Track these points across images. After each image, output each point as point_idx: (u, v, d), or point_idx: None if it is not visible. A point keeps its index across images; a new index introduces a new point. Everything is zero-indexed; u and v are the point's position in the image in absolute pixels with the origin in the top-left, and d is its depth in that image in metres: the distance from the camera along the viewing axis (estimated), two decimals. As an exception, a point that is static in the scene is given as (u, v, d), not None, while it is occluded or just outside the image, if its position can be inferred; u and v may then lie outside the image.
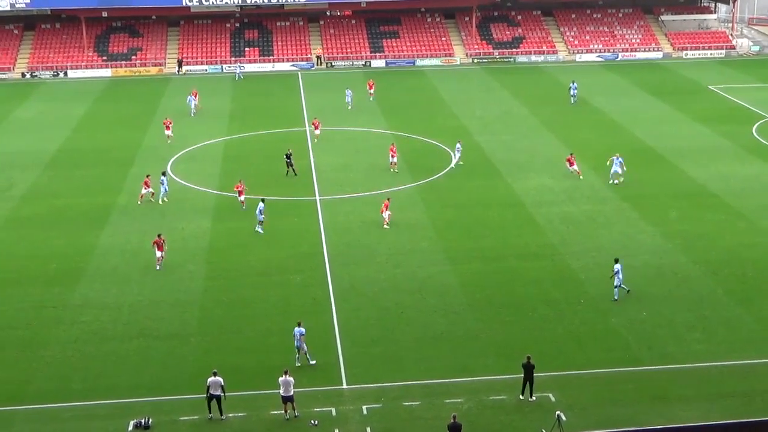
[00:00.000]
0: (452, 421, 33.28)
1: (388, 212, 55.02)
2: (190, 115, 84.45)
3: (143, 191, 59.75)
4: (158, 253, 49.27)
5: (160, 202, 59.54)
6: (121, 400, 37.20)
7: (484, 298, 45.87)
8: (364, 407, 36.50)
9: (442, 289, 46.91)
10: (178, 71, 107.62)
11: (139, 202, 59.41)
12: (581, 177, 62.56)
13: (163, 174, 60.99)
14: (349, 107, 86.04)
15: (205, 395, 35.66)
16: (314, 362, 39.39)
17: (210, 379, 35.64)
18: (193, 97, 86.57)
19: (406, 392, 37.47)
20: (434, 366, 39.48)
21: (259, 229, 54.54)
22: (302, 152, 72.04)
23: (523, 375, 36.61)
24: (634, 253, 50.86)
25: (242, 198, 58.49)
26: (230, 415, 35.94)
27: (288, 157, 65.69)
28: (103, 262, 51.06)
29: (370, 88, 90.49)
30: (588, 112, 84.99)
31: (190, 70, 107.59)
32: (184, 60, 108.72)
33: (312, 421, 35.51)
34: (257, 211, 54.70)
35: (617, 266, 44.98)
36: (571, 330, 42.31)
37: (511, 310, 44.50)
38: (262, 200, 55.53)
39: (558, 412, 34.48)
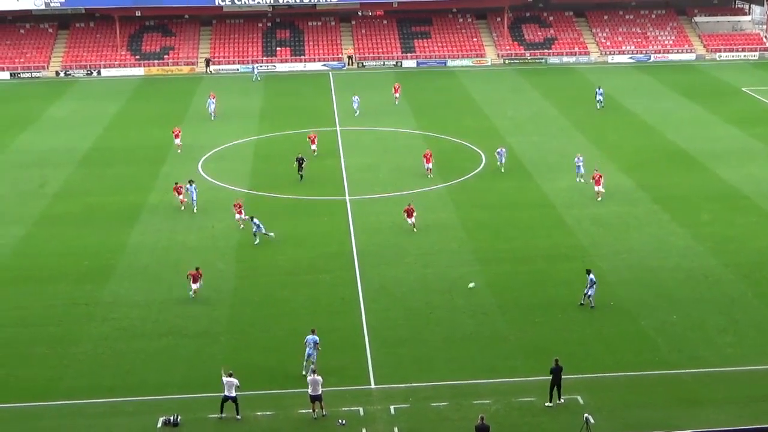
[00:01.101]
0: (480, 422, 33.21)
1: (412, 219, 54.35)
2: (210, 119, 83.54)
3: (180, 197, 58.68)
4: (194, 285, 46.51)
5: (195, 210, 58.17)
6: (150, 397, 37.43)
7: (513, 300, 45.74)
8: (391, 407, 36.50)
9: (472, 290, 46.78)
10: (207, 70, 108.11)
11: (182, 207, 58.41)
12: (599, 199, 59.13)
13: (191, 182, 59.35)
14: (356, 114, 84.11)
15: (211, 394, 35.79)
16: (305, 374, 38.02)
17: (225, 380, 35.77)
18: (212, 99, 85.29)
19: (434, 393, 37.43)
20: (462, 367, 39.41)
21: (271, 234, 53.19)
22: (332, 152, 72.19)
23: (551, 379, 36.36)
24: (665, 256, 50.57)
25: (240, 217, 55.59)
26: (258, 413, 36.07)
27: (299, 161, 64.53)
28: (133, 260, 51.40)
29: (396, 91, 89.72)
30: (619, 113, 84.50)
31: (221, 70, 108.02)
32: (213, 59, 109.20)
33: (339, 421, 35.55)
34: (254, 228, 52.83)
35: (591, 277, 44.26)
36: (601, 332, 42.09)
37: (540, 312, 44.34)
38: (251, 218, 53.24)
39: (586, 415, 34.31)
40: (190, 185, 58.78)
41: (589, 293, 44.20)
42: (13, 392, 37.94)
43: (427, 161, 64.86)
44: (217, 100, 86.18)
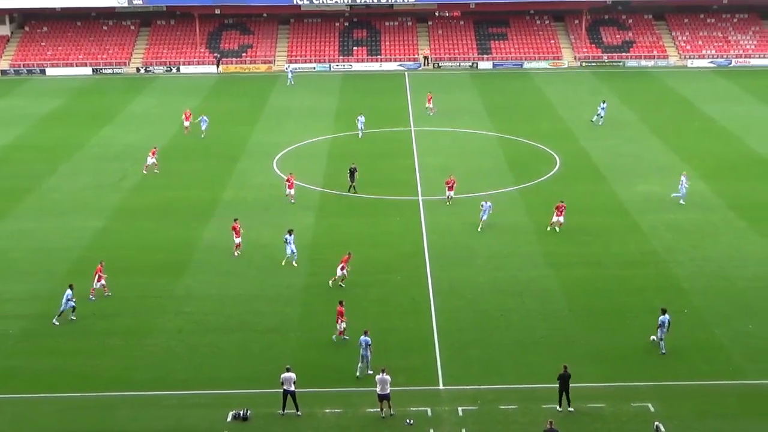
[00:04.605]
0: (549, 426, 33.03)
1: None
2: (201, 137, 77.40)
3: (236, 240, 51.62)
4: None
5: (294, 263, 50.07)
6: (220, 391, 37.91)
7: (585, 305, 45.34)
8: (459, 409, 36.45)
9: (543, 293, 46.53)
10: (217, 70, 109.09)
11: (235, 253, 51.55)
12: (557, 228, 54.49)
13: (290, 233, 50.51)
14: (360, 135, 77.01)
15: (280, 390, 36.13)
16: (371, 372, 38.32)
17: (283, 375, 36.08)
18: (205, 120, 78.05)
19: (503, 396, 37.29)
20: (532, 371, 39.19)
21: (293, 262, 50.23)
22: (407, 152, 72.29)
23: (558, 386, 36.07)
24: (742, 264, 49.71)
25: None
26: (326, 410, 36.31)
27: (351, 171, 62.22)
28: (207, 254, 52.04)
29: (429, 101, 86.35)
30: (698, 119, 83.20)
31: (298, 69, 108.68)
32: (223, 60, 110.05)
33: (407, 421, 35.61)
34: (288, 246, 49.94)
35: (664, 317, 40.43)
36: (673, 340, 41.42)
37: (612, 318, 43.90)
38: (289, 232, 50.50)
39: (657, 423, 33.96)
40: (289, 235, 50.27)
41: (660, 336, 40.65)
42: (90, 382, 38.73)
43: (450, 189, 59.15)
44: (192, 117, 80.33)
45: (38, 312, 45.05)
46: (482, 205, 54.92)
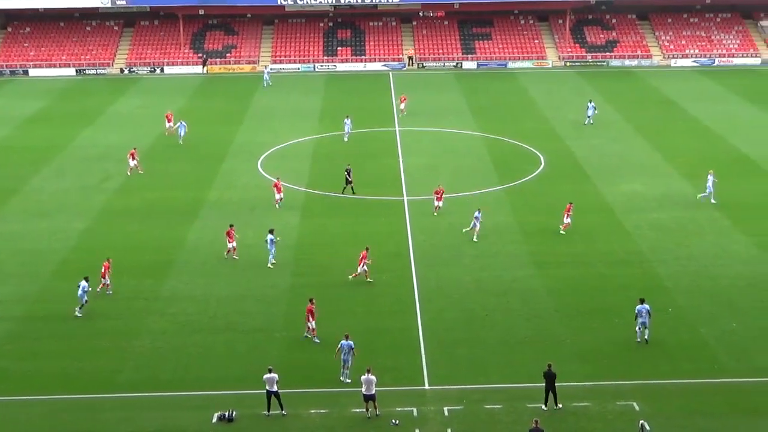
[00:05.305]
0: (534, 426, 33.10)
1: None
2: (179, 143, 75.83)
3: (229, 244, 51.25)
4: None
5: (269, 265, 50.17)
6: (207, 392, 37.86)
7: (569, 304, 45.47)
8: (445, 408, 36.51)
9: (528, 293, 46.65)
10: (203, 70, 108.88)
11: (232, 255, 51.29)
12: (563, 231, 54.45)
13: (271, 232, 50.80)
14: (345, 138, 76.28)
15: (264, 391, 36.12)
16: (350, 381, 38.11)
17: (266, 376, 36.05)
18: (183, 126, 76.46)
19: (489, 395, 37.37)
20: (518, 370, 39.28)
21: (271, 261, 50.27)
22: (391, 152, 72.35)
23: (544, 384, 36.20)
24: (726, 263, 49.95)
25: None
26: (311, 411, 36.30)
27: (348, 172, 61.97)
28: (192, 255, 51.98)
29: (402, 102, 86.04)
30: (682, 118, 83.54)
31: (282, 69, 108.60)
32: (209, 60, 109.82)
33: (393, 421, 35.63)
34: (268, 244, 50.04)
35: (641, 307, 41.18)
36: (658, 338, 41.60)
37: (597, 317, 44.03)
38: (270, 231, 50.68)
39: (642, 421, 34.05)
40: (270, 234, 50.41)
41: (640, 325, 41.19)
42: (76, 383, 38.67)
43: (438, 199, 57.64)
44: (174, 120, 79.32)
45: (24, 314, 44.96)
46: (476, 216, 53.54)
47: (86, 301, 44.56)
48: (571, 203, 55.03)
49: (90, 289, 44.86)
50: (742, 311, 44.38)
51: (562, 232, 54.24)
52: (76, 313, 44.29)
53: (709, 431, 34.87)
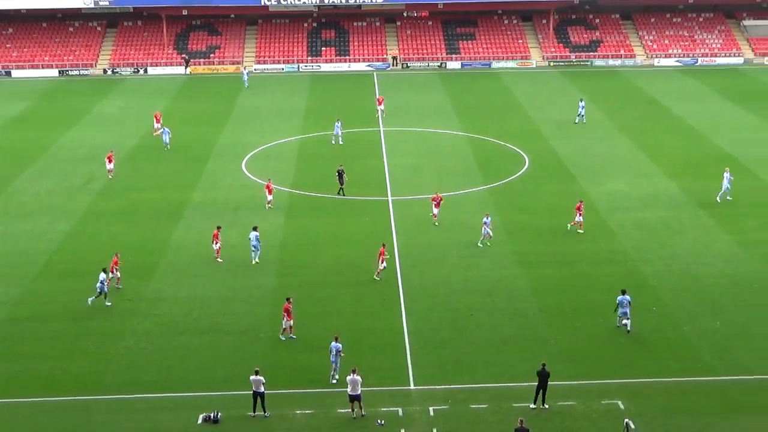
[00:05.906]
0: (519, 425, 33.18)
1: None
2: (165, 149, 74.08)
3: (215, 246, 50.98)
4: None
5: (253, 262, 50.52)
6: (191, 393, 37.80)
7: (554, 304, 45.58)
8: (430, 408, 36.54)
9: (513, 292, 46.74)
10: (186, 71, 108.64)
11: (219, 259, 50.93)
12: (580, 230, 54.69)
13: (255, 229, 51.15)
14: (333, 142, 75.29)
15: (251, 392, 36.12)
16: (335, 381, 38.30)
17: (252, 378, 36.04)
18: (166, 129, 74.89)
19: (474, 395, 37.44)
20: (503, 370, 39.37)
21: (256, 259, 50.63)
22: (376, 153, 72.36)
23: (537, 383, 36.24)
24: (709, 261, 50.18)
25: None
26: (297, 411, 36.28)
27: (339, 173, 61.72)
28: (176, 256, 51.86)
29: (380, 104, 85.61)
30: (665, 117, 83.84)
31: (267, 69, 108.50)
32: (191, 61, 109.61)
33: (378, 421, 35.66)
34: (253, 242, 50.39)
35: (622, 297, 42.19)
36: (642, 337, 41.80)
37: (581, 316, 44.16)
38: (254, 228, 50.98)
39: (627, 420, 34.17)
40: (254, 231, 50.82)
41: (621, 315, 42.17)
42: (60, 385, 38.54)
43: (437, 206, 56.31)
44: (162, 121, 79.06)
45: (7, 316, 44.76)
46: (485, 222, 52.85)
47: (101, 293, 45.17)
48: (581, 201, 55.29)
49: (107, 279, 45.57)
50: (724, 309, 44.60)
51: (579, 231, 54.25)
52: (106, 303, 45.20)
53: (694, 429, 35.03)
